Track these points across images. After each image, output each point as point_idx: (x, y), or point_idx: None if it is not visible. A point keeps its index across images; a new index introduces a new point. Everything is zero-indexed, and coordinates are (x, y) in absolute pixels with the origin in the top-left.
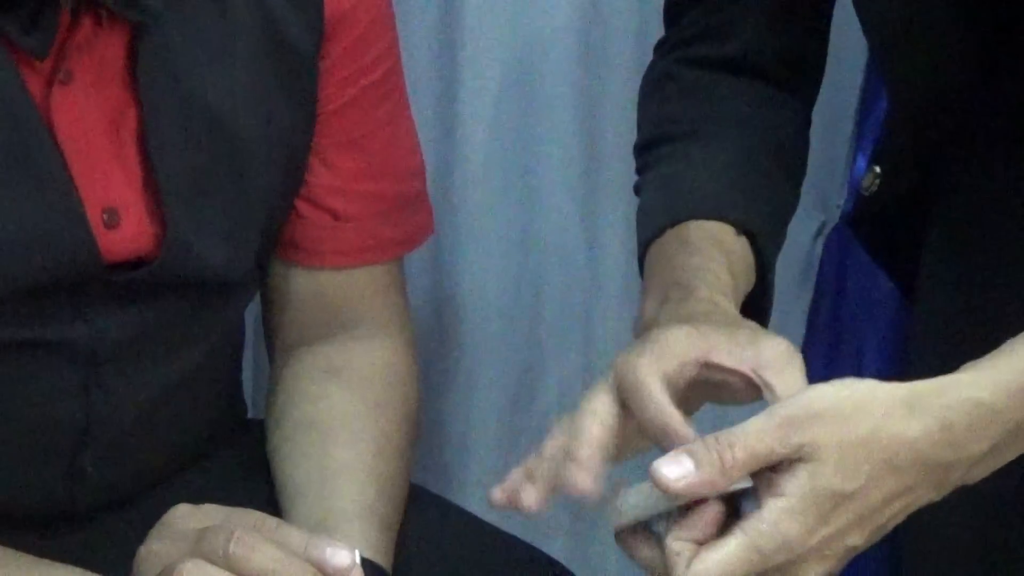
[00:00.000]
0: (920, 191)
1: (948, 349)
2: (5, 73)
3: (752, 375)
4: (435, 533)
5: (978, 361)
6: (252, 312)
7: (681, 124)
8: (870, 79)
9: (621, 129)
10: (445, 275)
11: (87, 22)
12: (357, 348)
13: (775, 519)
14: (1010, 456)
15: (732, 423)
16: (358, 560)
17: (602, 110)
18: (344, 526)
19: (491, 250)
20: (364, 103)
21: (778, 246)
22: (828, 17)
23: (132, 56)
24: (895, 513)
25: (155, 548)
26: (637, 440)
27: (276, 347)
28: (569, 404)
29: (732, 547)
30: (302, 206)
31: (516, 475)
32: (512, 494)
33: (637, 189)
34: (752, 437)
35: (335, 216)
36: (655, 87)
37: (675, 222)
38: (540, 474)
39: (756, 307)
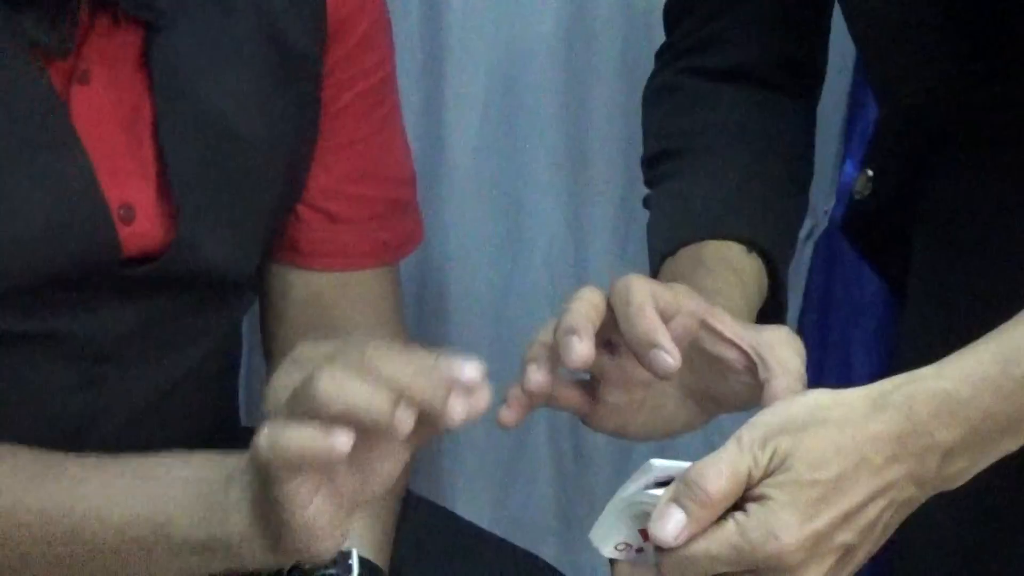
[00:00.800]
0: (911, 192)
1: (937, 348)
2: (31, 70)
3: (749, 350)
4: (427, 537)
5: (938, 362)
6: (247, 323)
7: (688, 137)
8: (858, 84)
9: (606, 135)
10: (433, 282)
11: (103, 22)
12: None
13: (763, 516)
14: (990, 455)
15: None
16: (483, 375)
17: (587, 117)
18: None
19: (479, 256)
20: (361, 107)
21: (789, 258)
22: (827, 19)
23: (144, 57)
24: (882, 511)
25: (285, 381)
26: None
27: (274, 352)
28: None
29: (721, 534)
30: (298, 208)
31: (515, 390)
32: (518, 399)
33: (647, 203)
34: (729, 465)
35: (330, 218)
36: (659, 98)
37: (689, 241)
38: (538, 356)
39: (769, 322)
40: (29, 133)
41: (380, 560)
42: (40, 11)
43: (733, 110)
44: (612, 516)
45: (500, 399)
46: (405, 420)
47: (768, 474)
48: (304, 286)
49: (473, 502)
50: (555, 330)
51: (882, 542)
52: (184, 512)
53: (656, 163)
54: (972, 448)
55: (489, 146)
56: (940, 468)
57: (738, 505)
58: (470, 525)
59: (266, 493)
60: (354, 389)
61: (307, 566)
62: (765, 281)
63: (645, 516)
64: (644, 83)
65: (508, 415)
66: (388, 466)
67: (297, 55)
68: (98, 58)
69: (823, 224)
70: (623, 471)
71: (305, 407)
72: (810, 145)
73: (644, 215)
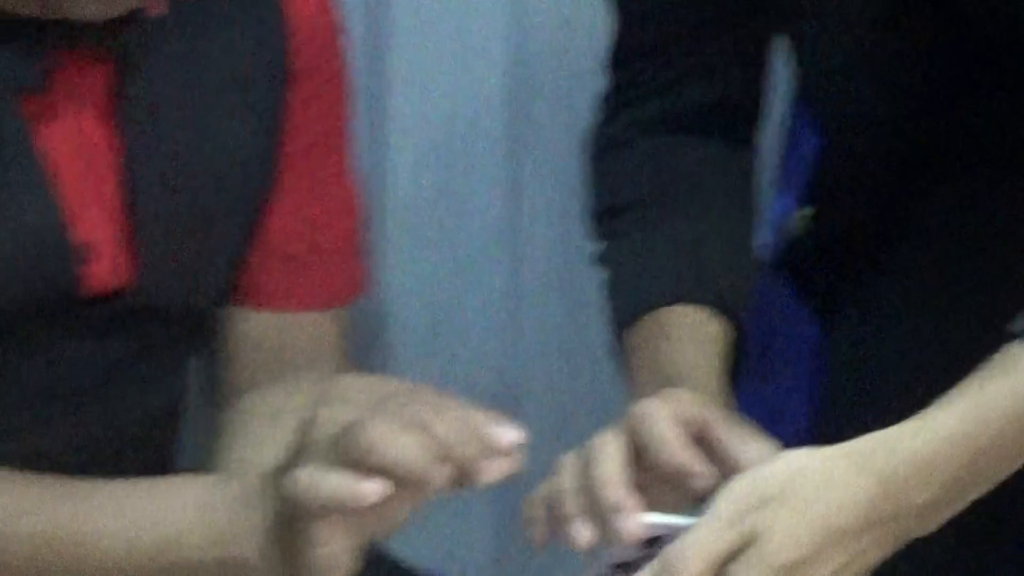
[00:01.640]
0: (850, 231)
1: (867, 385)
2: (2, 104)
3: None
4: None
5: (917, 414)
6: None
7: (641, 193)
8: (795, 121)
9: (548, 191)
10: (375, 322)
11: (74, 59)
12: (300, 396)
13: None
14: (964, 503)
15: None
16: (523, 440)
17: (529, 173)
18: None
19: (421, 298)
20: (317, 152)
21: (746, 297)
22: (767, 62)
23: (112, 94)
24: (847, 573)
25: (326, 413)
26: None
27: (220, 394)
28: None
29: None
30: (254, 249)
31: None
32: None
33: (603, 259)
34: (704, 544)
35: (283, 260)
36: (608, 152)
37: (654, 306)
38: (569, 510)
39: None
40: None
41: None
42: (13, 46)
43: (686, 165)
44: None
45: None
46: (439, 478)
47: (741, 550)
48: (255, 328)
49: (407, 539)
50: (590, 488)
51: None
52: (194, 533)
53: (608, 217)
54: (947, 503)
55: (431, 203)
56: (912, 527)
57: None
58: (402, 563)
59: (290, 525)
60: (402, 445)
61: None
62: (732, 338)
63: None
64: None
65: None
66: (405, 509)
67: (261, 97)
68: (66, 94)
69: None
70: None
71: (351, 454)
72: (756, 192)
73: (584, 267)
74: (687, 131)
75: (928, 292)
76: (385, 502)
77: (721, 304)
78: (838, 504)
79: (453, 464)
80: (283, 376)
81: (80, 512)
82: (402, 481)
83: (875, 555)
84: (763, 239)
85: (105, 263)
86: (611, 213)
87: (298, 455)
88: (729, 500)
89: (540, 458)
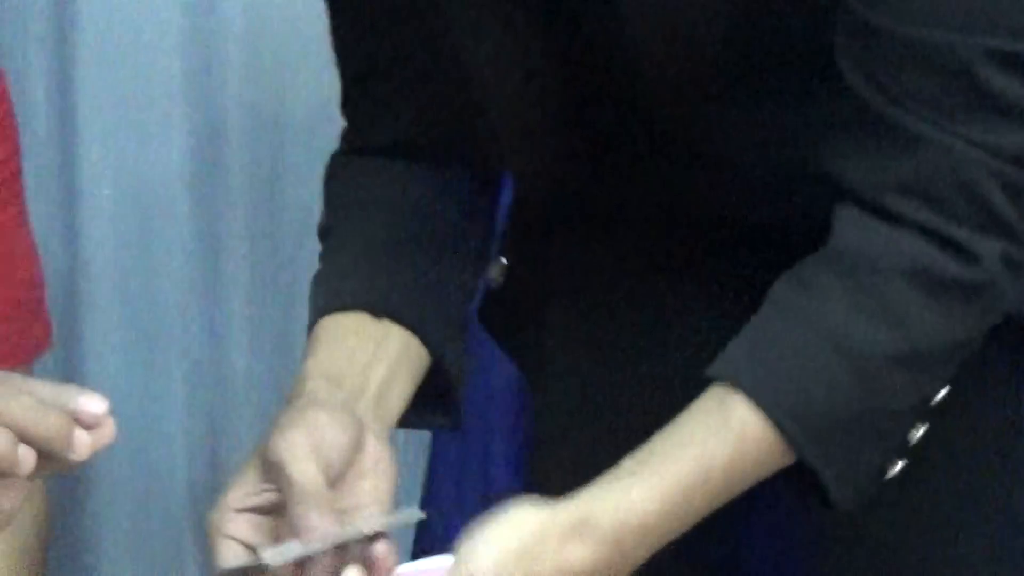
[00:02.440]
0: (545, 282)
1: (572, 434)
2: None
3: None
4: None
5: (638, 475)
6: None
7: (336, 213)
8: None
9: (242, 233)
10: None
11: None
12: None
13: None
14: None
15: None
16: (107, 408)
17: (221, 238)
18: None
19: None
20: None
21: (445, 326)
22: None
23: None
24: None
25: None
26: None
27: None
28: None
29: None
30: None
31: None
32: None
33: (315, 279)
34: None
35: None
36: (332, 174)
37: (314, 321)
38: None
39: (442, 384)
40: None
41: None
42: None
43: (377, 185)
44: None
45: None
46: (27, 460)
47: None
48: None
49: None
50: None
51: None
52: None
53: (322, 238)
54: (655, 550)
55: (124, 260)
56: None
57: None
58: None
59: None
60: None
61: None
62: (407, 340)
63: None
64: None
65: None
66: (8, 500)
67: None
68: None
69: None
70: None
71: None
72: (466, 217)
73: (279, 316)
74: (391, 157)
75: (620, 339)
76: None
77: (378, 310)
78: (562, 569)
79: (37, 443)
80: None
81: None
82: None
83: None
84: None
85: None
86: (323, 234)
87: None
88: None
89: None
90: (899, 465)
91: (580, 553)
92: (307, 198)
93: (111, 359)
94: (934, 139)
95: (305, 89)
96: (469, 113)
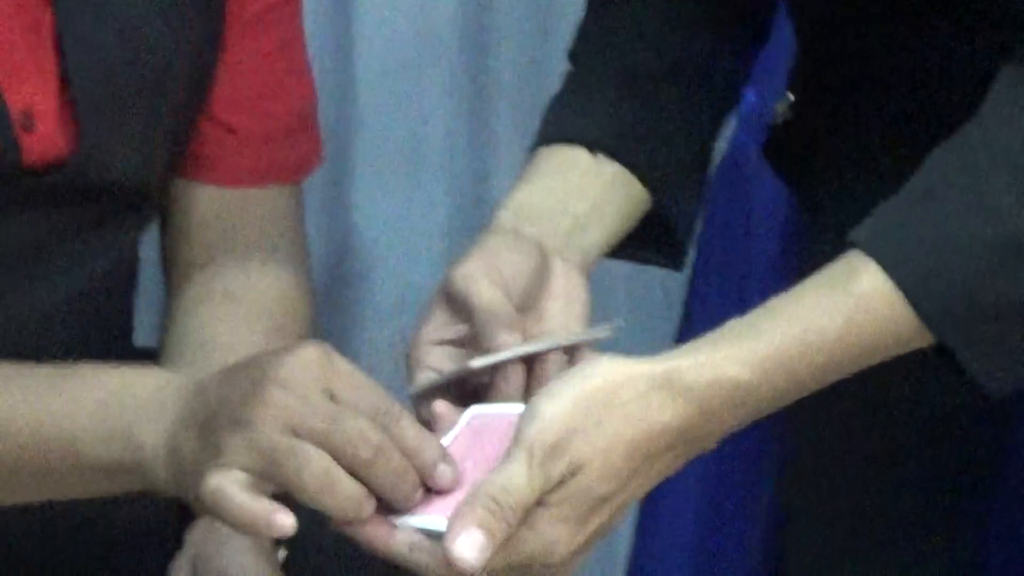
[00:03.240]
0: (831, 118)
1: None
2: None
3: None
4: None
5: (736, 335)
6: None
7: (585, 38)
8: None
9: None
10: (343, 208)
11: None
12: (254, 274)
13: (542, 528)
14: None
15: None
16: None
17: (490, 72)
18: None
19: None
20: (266, 21)
21: (672, 160)
22: None
23: None
24: (646, 491)
25: (278, 395)
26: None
27: (173, 271)
28: None
29: (503, 553)
30: (201, 121)
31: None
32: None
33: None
34: (522, 487)
35: (231, 133)
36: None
37: (533, 148)
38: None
39: (663, 225)
40: None
41: None
42: None
43: (632, 11)
44: None
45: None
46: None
47: (562, 481)
48: (205, 202)
49: None
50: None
51: None
52: (93, 429)
53: (571, 61)
54: (747, 423)
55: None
56: (710, 445)
57: None
58: None
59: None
60: (341, 493)
61: None
62: (621, 178)
63: None
64: None
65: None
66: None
67: None
68: None
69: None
70: None
71: (281, 476)
72: (719, 55)
73: None
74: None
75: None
76: None
77: (597, 146)
78: (653, 429)
79: (380, 489)
80: (234, 254)
81: None
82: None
83: (672, 468)
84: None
85: (46, 131)
86: (571, 55)
87: (226, 427)
88: (541, 430)
89: None
90: None
91: (663, 405)
92: None
93: (377, 181)
94: None
95: None
96: None
